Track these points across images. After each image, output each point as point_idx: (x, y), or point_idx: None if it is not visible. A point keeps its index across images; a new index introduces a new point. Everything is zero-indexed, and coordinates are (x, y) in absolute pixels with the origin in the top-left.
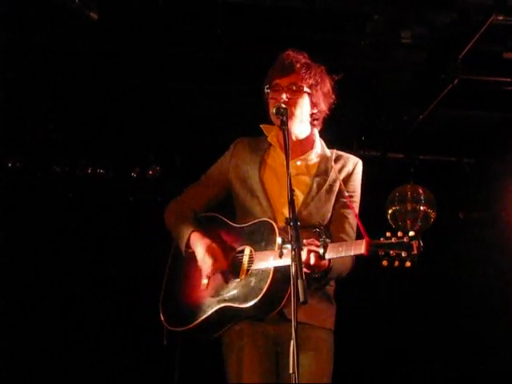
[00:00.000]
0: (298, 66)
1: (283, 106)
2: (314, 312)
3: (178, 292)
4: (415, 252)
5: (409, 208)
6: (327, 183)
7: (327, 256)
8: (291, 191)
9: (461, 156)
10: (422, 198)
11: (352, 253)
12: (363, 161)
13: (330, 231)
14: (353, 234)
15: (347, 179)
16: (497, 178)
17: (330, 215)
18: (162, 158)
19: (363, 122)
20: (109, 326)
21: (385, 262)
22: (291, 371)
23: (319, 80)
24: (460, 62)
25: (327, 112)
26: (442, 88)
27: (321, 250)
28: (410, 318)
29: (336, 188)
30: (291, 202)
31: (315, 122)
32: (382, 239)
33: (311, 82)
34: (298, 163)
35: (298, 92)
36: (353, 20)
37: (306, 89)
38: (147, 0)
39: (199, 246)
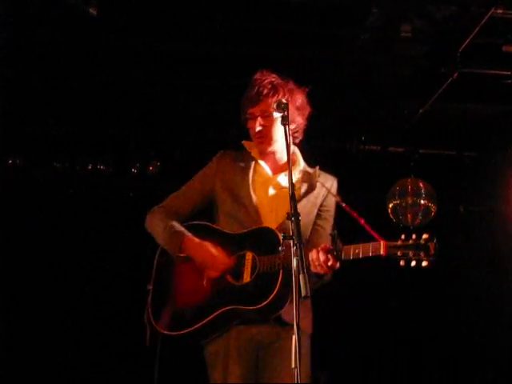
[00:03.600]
0: (265, 92)
1: (284, 100)
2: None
3: (172, 297)
4: (432, 252)
5: (409, 202)
6: (312, 197)
7: (344, 257)
8: (292, 186)
9: (461, 149)
10: (422, 191)
11: (370, 254)
12: (364, 154)
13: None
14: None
15: (326, 195)
16: (497, 171)
17: (310, 227)
18: (162, 153)
19: (363, 116)
20: (103, 324)
21: (402, 262)
22: (293, 366)
23: (289, 98)
24: (460, 56)
25: (305, 123)
26: (442, 81)
27: (337, 252)
28: (410, 312)
29: (319, 202)
30: (292, 197)
31: (295, 135)
32: (399, 241)
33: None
34: (282, 177)
35: (270, 117)
36: (352, 14)
37: (278, 112)
38: None
39: (199, 249)
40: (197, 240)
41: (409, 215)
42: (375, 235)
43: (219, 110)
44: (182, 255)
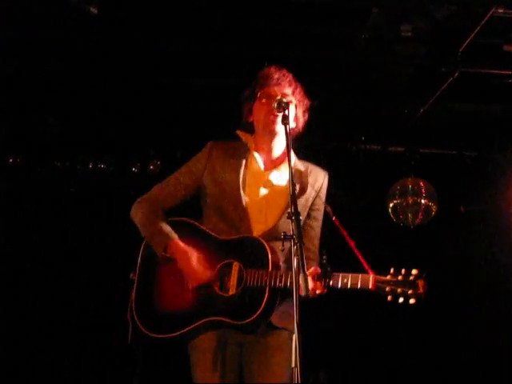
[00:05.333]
0: (289, 79)
1: (284, 100)
2: (283, 316)
3: (155, 297)
4: (421, 291)
5: (410, 201)
6: (304, 199)
7: (332, 285)
8: (293, 185)
9: (462, 149)
10: (422, 191)
11: (359, 286)
12: (364, 154)
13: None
14: (318, 245)
15: (318, 193)
16: (498, 171)
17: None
18: (163, 152)
19: (364, 115)
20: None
21: (390, 298)
22: (293, 365)
23: (302, 98)
24: (460, 55)
25: (300, 131)
26: (443, 81)
27: (325, 280)
28: (409, 311)
29: (309, 203)
30: (293, 195)
31: (293, 135)
32: (388, 276)
33: (299, 97)
34: (274, 175)
35: (288, 102)
36: (353, 13)
37: (294, 101)
38: None
39: (182, 256)
40: (182, 245)
41: (409, 215)
42: (367, 266)
43: (220, 109)
44: (166, 255)
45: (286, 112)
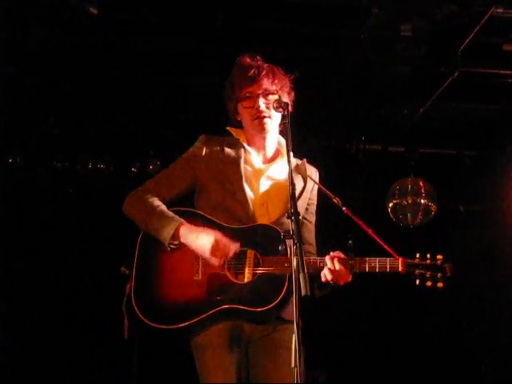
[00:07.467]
0: (265, 72)
1: (284, 100)
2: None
3: (160, 288)
4: (449, 274)
5: (409, 201)
6: (305, 192)
7: (359, 270)
8: (293, 185)
9: (461, 149)
10: (422, 191)
11: (388, 269)
12: (364, 154)
13: None
14: (313, 240)
15: (313, 187)
16: (497, 170)
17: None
18: (162, 152)
19: (363, 115)
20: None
21: (418, 282)
22: (293, 365)
23: (283, 82)
24: (460, 55)
25: (291, 111)
26: (443, 81)
27: (352, 265)
28: (410, 312)
29: (308, 195)
30: (292, 196)
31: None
32: (416, 260)
33: (280, 85)
34: (274, 168)
35: (270, 97)
36: (353, 13)
37: (278, 91)
38: None
39: (201, 236)
40: (194, 227)
41: (409, 214)
42: (390, 251)
43: (219, 110)
44: (175, 243)
45: (286, 112)
